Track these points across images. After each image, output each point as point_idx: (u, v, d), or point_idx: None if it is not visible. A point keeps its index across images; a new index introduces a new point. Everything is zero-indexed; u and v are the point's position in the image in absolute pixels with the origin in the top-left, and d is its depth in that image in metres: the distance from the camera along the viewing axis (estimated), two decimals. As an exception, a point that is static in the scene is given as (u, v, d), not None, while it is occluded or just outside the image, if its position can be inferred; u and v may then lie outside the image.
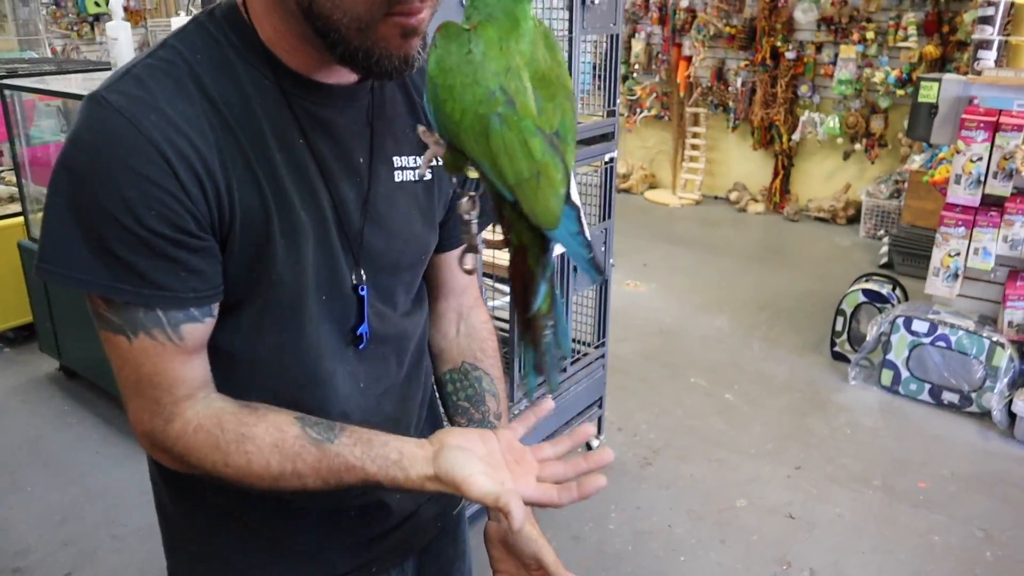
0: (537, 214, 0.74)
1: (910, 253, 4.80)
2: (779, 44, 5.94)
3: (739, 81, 6.26)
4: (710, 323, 4.24)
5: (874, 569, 2.45)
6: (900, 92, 5.49)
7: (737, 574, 2.43)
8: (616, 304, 2.97)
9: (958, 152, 3.18)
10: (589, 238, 0.77)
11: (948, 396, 3.29)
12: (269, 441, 0.81)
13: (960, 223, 3.23)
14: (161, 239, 0.75)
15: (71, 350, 3.43)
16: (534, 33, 0.75)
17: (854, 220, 5.92)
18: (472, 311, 1.12)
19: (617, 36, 2.58)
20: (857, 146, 5.82)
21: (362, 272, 0.89)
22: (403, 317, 0.97)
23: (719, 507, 2.72)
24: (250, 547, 0.96)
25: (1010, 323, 3.20)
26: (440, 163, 0.89)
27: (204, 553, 0.98)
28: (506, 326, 2.51)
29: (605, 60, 2.62)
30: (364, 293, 0.90)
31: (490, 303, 2.75)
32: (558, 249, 0.83)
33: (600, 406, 3.00)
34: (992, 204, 3.19)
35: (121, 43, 3.15)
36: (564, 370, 0.73)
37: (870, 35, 5.55)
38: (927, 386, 3.34)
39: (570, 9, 2.40)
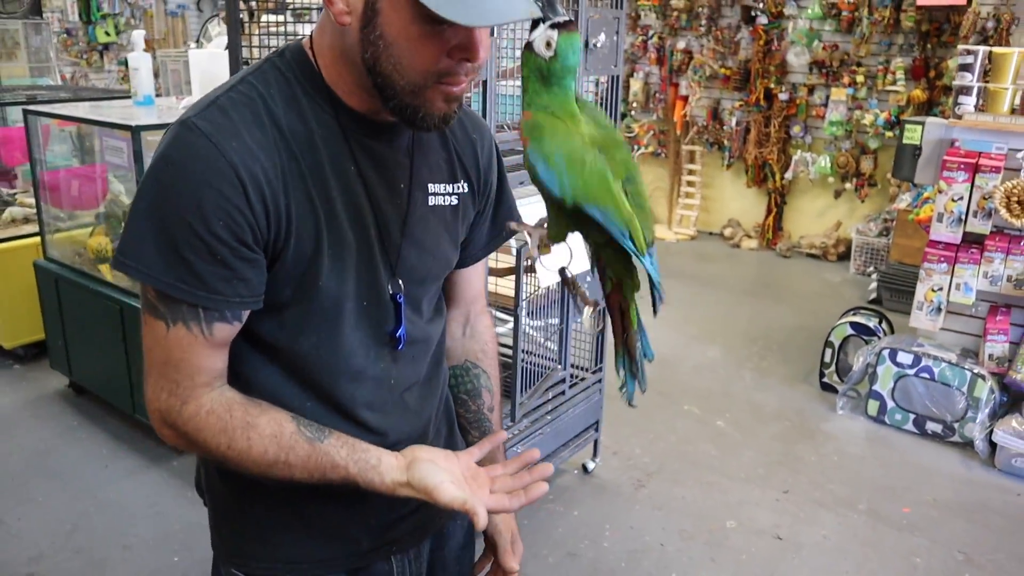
0: (638, 245, 0.94)
1: (898, 289, 4.93)
2: (773, 86, 6.14)
3: (734, 121, 6.45)
4: (703, 353, 4.35)
5: (858, 589, 2.54)
6: (889, 134, 5.68)
7: (726, 591, 2.52)
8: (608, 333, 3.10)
9: (940, 192, 3.33)
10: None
11: (932, 426, 3.41)
12: (269, 432, 0.94)
13: (943, 259, 3.37)
14: (224, 246, 0.88)
15: (82, 367, 3.52)
16: (583, 113, 0.95)
17: (844, 257, 6.08)
18: (478, 317, 1.27)
19: (618, 77, 2.73)
20: (847, 185, 6.00)
21: (399, 282, 1.03)
22: (427, 323, 1.11)
23: (710, 527, 2.82)
24: (284, 523, 1.08)
25: (990, 356, 3.33)
26: (466, 191, 1.10)
27: (244, 529, 1.09)
28: (509, 352, 2.62)
29: (606, 98, 2.77)
30: (401, 300, 1.03)
31: (498, 328, 2.86)
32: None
33: (596, 429, 3.11)
34: (973, 242, 3.34)
35: (142, 73, 3.31)
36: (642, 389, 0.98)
37: (860, 79, 5.76)
38: (912, 416, 3.45)
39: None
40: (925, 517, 2.91)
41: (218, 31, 5.71)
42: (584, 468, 3.14)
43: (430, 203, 1.06)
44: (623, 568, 2.62)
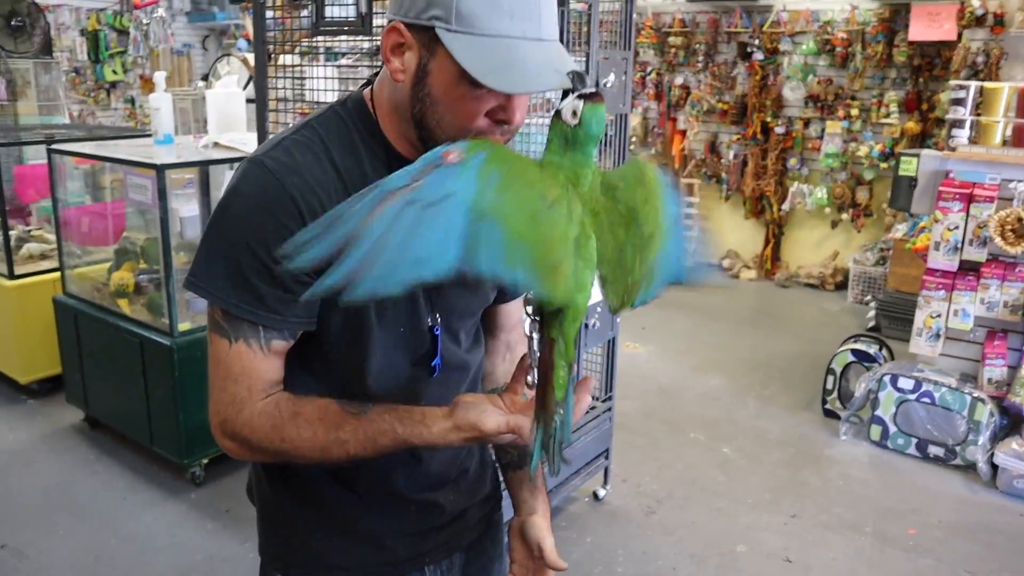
0: (565, 333, 0.92)
1: (896, 317, 5.01)
2: (769, 119, 6.29)
3: (731, 154, 6.59)
4: (707, 383, 4.43)
5: (867, 609, 2.59)
6: (883, 165, 5.81)
7: (739, 613, 2.57)
8: (617, 364, 3.18)
9: (937, 221, 3.44)
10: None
11: (934, 450, 3.48)
12: (316, 416, 1.01)
13: (940, 287, 3.47)
14: (284, 272, 0.96)
15: (99, 400, 3.58)
16: (601, 182, 0.96)
17: (842, 286, 6.17)
18: (517, 344, 1.36)
19: (626, 116, 2.84)
20: (844, 216, 6.12)
21: (437, 316, 1.11)
22: (465, 352, 1.19)
23: (720, 551, 2.88)
24: (326, 531, 1.16)
25: (989, 380, 3.41)
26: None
27: (290, 535, 1.18)
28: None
29: (615, 135, 2.87)
30: (438, 333, 1.12)
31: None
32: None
33: (607, 457, 3.17)
34: (969, 269, 3.44)
35: (163, 113, 3.41)
36: (566, 462, 0.88)
37: (854, 112, 5.90)
38: (914, 440, 3.52)
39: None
40: (931, 538, 2.97)
41: (227, 70, 5.84)
42: (595, 495, 3.20)
43: None
44: (637, 592, 2.67)
